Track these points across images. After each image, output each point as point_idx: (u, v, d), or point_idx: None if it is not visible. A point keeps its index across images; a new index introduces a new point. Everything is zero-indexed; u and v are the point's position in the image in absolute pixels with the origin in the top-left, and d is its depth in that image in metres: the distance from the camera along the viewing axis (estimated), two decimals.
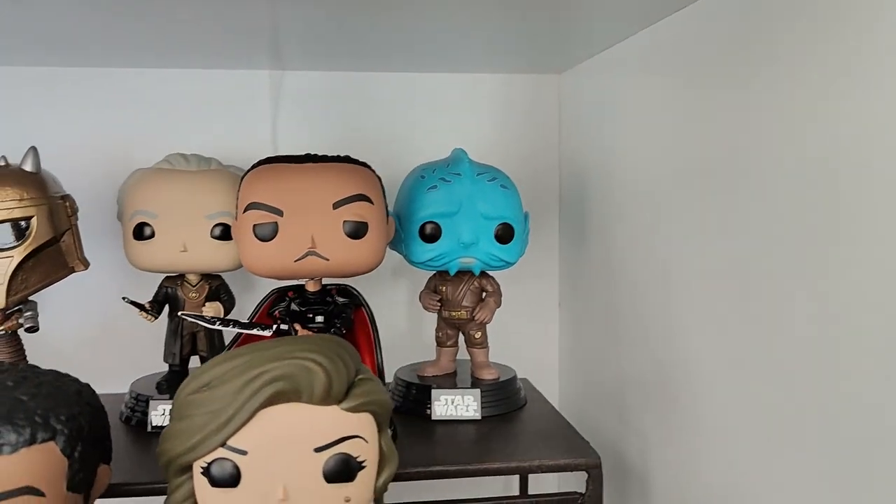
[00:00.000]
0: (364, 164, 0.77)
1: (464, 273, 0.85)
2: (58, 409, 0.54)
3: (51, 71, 0.97)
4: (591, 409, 0.98)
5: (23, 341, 0.77)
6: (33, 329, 0.75)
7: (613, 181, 0.89)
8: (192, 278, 0.85)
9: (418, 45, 0.88)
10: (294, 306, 0.77)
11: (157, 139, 0.96)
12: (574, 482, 0.77)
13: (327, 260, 0.71)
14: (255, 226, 0.71)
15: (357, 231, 0.72)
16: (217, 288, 0.87)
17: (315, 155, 0.76)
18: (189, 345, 0.87)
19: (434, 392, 0.82)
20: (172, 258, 0.80)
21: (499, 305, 0.87)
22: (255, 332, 0.74)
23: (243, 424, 0.54)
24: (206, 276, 0.86)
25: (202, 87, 1.00)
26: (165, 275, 0.86)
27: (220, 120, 1.00)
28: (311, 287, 0.77)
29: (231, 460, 0.54)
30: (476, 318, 0.86)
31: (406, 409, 0.84)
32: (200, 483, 0.55)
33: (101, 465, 0.58)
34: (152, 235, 0.79)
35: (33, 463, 0.51)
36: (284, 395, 0.54)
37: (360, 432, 0.56)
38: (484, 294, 0.87)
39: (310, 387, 0.54)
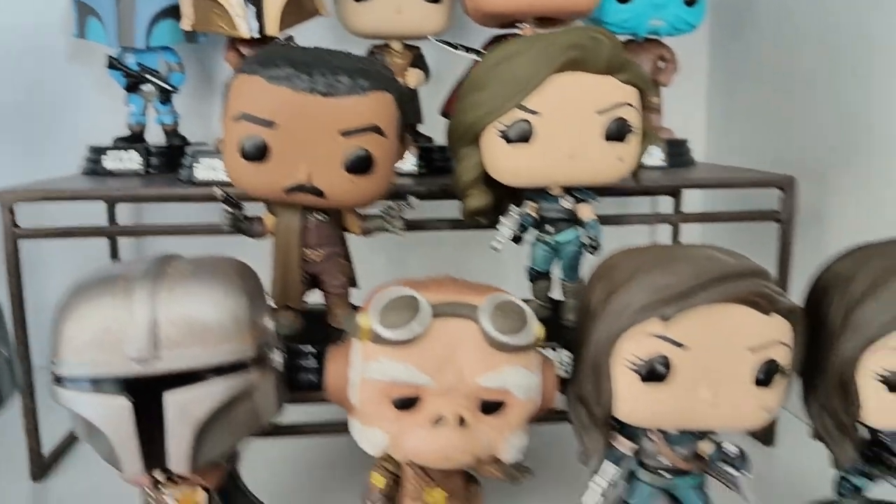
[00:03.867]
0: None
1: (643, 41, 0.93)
2: (389, 71, 0.63)
3: None
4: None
5: None
6: None
7: None
8: (397, 45, 0.93)
9: None
10: None
11: None
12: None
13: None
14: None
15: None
16: (418, 57, 0.95)
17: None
18: None
19: None
20: (387, 21, 0.88)
21: (675, 72, 0.95)
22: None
23: (537, 87, 0.63)
24: (408, 45, 0.94)
25: None
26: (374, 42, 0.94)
27: None
28: None
29: (527, 120, 0.63)
30: (659, 80, 0.94)
31: None
32: (496, 144, 0.64)
33: (407, 136, 0.67)
34: None
35: (379, 107, 0.61)
36: (575, 62, 0.63)
37: (631, 101, 0.65)
38: (661, 63, 0.95)
39: (596, 55, 0.63)
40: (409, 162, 0.85)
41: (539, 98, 0.63)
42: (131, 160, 0.89)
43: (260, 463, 0.65)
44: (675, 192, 1.02)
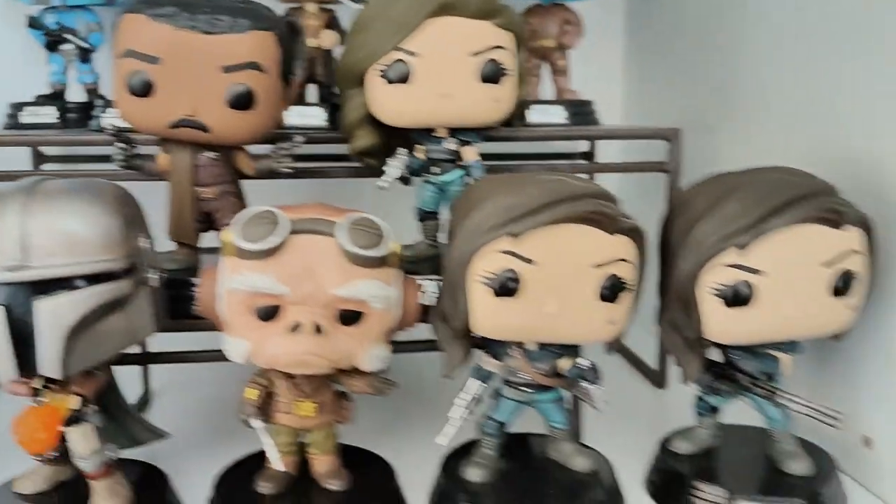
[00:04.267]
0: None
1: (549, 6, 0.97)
2: (272, 13, 0.66)
3: None
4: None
5: None
6: None
7: None
8: (312, 7, 0.96)
9: None
10: None
11: None
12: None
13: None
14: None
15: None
16: (332, 19, 0.98)
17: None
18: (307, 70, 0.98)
19: None
20: None
21: (580, 35, 0.99)
22: None
23: (414, 30, 0.66)
24: (323, 8, 0.97)
25: None
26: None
27: None
28: None
29: (405, 61, 0.67)
30: (563, 42, 0.98)
31: None
32: (377, 84, 0.68)
33: (293, 77, 0.70)
34: None
35: (259, 44, 0.64)
36: (448, 6, 0.66)
37: (505, 44, 0.69)
38: (566, 26, 0.99)
39: (467, 0, 0.66)
40: (319, 118, 0.88)
41: (416, 40, 0.67)
42: (48, 115, 0.91)
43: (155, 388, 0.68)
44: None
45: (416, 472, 0.66)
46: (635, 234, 0.59)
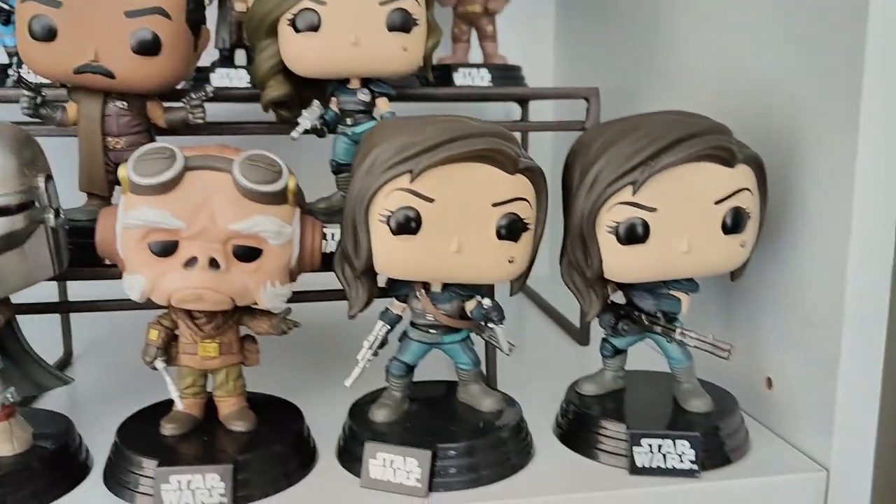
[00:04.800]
0: None
1: None
2: None
3: None
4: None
5: None
6: None
7: None
8: None
9: None
10: None
11: None
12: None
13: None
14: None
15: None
16: None
17: None
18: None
19: None
20: None
21: (506, 1, 1.00)
22: None
23: None
24: None
25: None
26: None
27: None
28: None
29: (313, 9, 0.67)
30: (490, 8, 0.99)
31: None
32: (287, 34, 0.69)
33: (203, 26, 0.70)
34: None
35: None
36: None
37: None
38: None
39: None
40: (244, 80, 0.88)
41: None
42: None
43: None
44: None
45: (326, 419, 0.67)
46: (533, 173, 0.60)
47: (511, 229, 0.59)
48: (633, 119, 0.63)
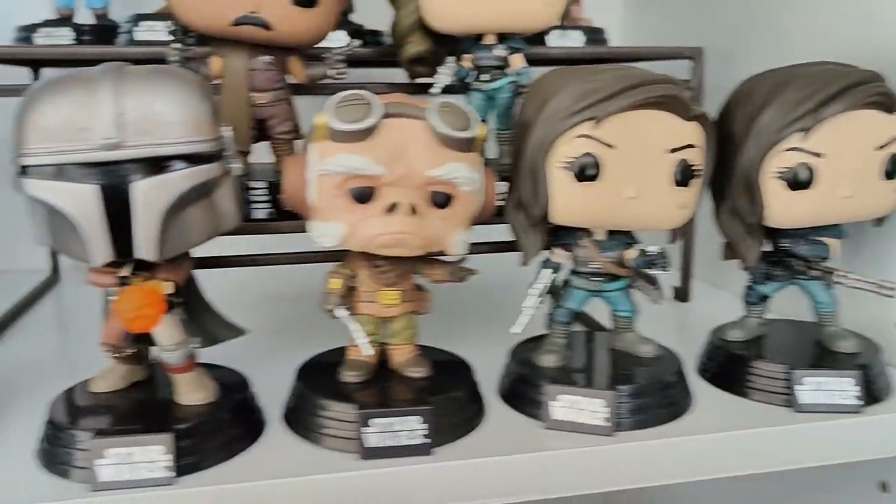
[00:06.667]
0: None
1: None
2: None
3: None
4: None
5: None
6: None
7: None
8: None
9: None
10: None
11: None
12: None
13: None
14: None
15: None
16: None
17: None
18: None
19: None
20: None
21: None
22: None
23: None
24: None
25: None
26: None
27: None
28: None
29: None
30: None
31: None
32: None
33: None
34: None
35: None
36: None
37: None
38: None
39: None
40: (343, 41, 0.88)
41: None
42: (63, 36, 0.88)
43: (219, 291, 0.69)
44: None
45: (481, 369, 0.68)
46: (705, 120, 0.61)
47: (684, 175, 0.60)
48: (790, 69, 0.65)
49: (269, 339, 0.79)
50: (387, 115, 0.56)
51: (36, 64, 0.99)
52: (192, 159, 0.53)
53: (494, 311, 0.73)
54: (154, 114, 0.51)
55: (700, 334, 0.75)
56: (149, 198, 0.51)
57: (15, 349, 0.81)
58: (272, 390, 0.64)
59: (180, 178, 0.52)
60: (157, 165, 0.52)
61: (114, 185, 0.51)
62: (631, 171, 0.59)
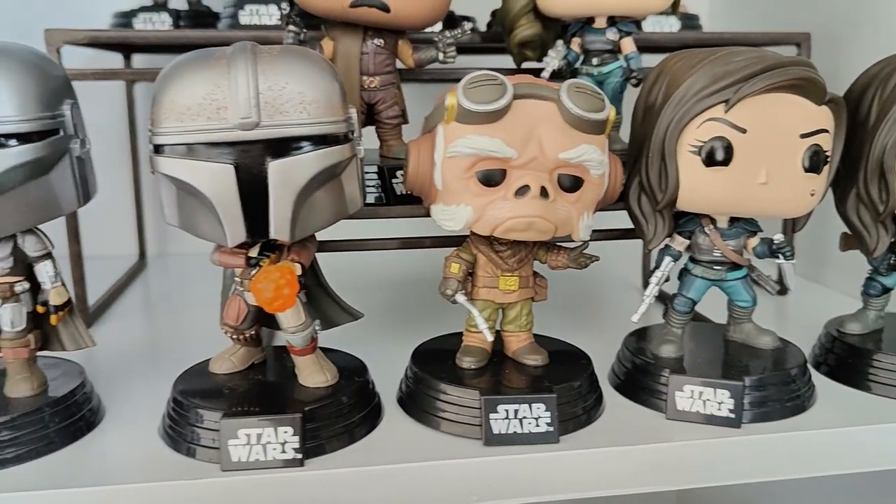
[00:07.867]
0: None
1: None
2: None
3: None
4: None
5: None
6: None
7: None
8: None
9: None
10: None
11: None
12: None
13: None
14: None
15: None
16: None
17: None
18: None
19: None
20: None
21: None
22: None
23: None
24: None
25: None
26: None
27: None
28: None
29: None
30: None
31: None
32: None
33: None
34: None
35: None
36: None
37: None
38: None
39: None
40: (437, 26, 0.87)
41: None
42: (162, 22, 0.89)
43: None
44: None
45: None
46: (838, 105, 0.59)
47: (815, 161, 0.58)
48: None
49: (375, 325, 0.79)
50: (517, 97, 0.55)
51: (128, 49, 1.00)
52: (325, 140, 0.53)
53: (585, 300, 0.71)
54: (289, 94, 0.51)
55: (801, 327, 0.73)
56: (284, 178, 0.51)
57: (114, 332, 0.82)
58: (383, 375, 0.63)
59: (314, 159, 0.52)
60: (288, 146, 0.51)
61: (249, 165, 0.51)
62: (762, 157, 0.57)
